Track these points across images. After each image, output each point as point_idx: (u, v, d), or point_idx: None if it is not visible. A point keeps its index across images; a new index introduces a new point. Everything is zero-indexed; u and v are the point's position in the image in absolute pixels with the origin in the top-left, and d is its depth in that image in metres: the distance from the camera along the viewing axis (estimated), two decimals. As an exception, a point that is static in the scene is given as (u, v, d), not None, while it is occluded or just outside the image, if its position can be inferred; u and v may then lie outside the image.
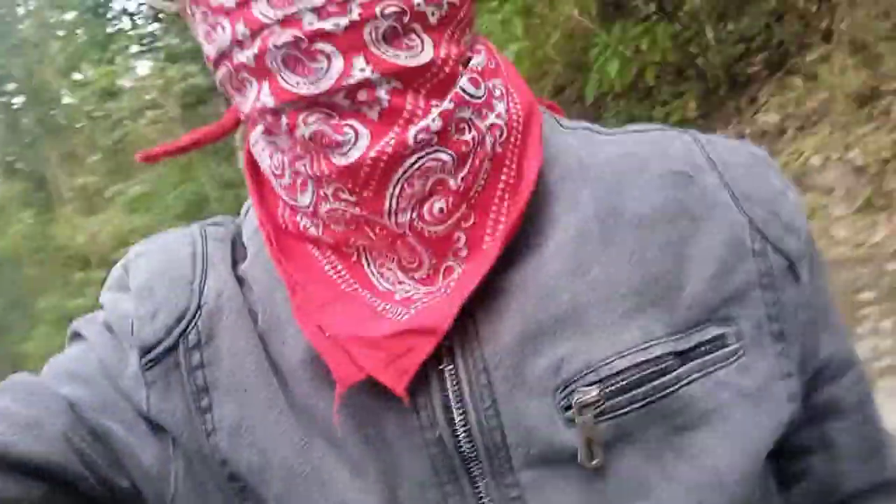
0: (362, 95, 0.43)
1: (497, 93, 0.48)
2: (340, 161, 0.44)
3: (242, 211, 0.56)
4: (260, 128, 0.48)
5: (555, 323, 0.46)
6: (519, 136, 0.48)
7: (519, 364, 0.46)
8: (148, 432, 0.49)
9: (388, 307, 0.47)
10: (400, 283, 0.48)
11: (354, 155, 0.43)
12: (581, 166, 0.50)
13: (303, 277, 0.48)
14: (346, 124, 0.43)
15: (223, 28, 0.43)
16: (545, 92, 6.99)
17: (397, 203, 0.45)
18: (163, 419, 0.49)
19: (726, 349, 0.48)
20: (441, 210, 0.46)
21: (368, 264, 0.49)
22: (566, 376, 0.46)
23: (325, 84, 0.42)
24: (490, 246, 0.46)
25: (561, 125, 0.54)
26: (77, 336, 0.53)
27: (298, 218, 0.49)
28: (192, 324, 0.50)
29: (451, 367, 0.46)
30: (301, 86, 0.43)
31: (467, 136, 0.46)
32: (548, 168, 0.50)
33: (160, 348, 0.49)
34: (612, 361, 0.46)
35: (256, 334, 0.50)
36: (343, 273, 0.49)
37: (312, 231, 0.49)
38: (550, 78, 7.27)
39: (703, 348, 0.47)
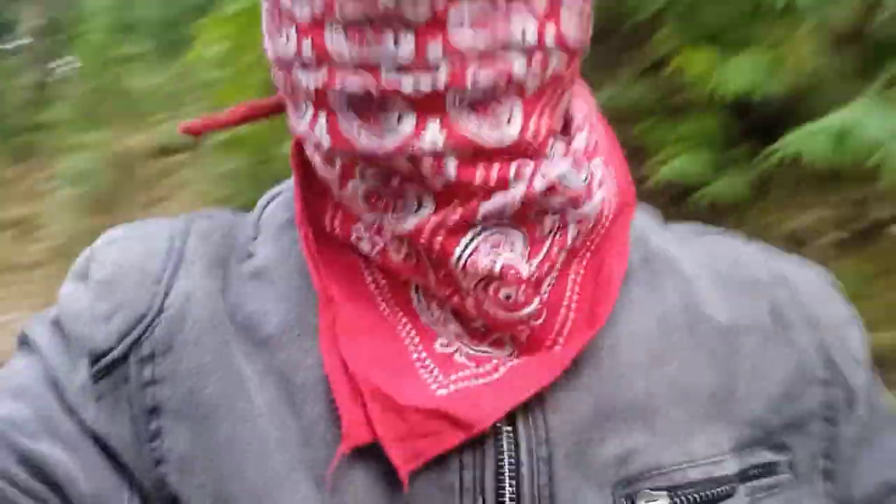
0: (427, 164, 0.38)
1: (598, 176, 0.43)
2: (398, 227, 0.40)
3: (259, 204, 0.49)
4: None
5: (627, 410, 0.42)
6: (604, 227, 0.44)
7: (584, 444, 0.41)
8: (95, 454, 0.41)
9: (425, 360, 0.41)
10: (444, 324, 0.42)
11: (412, 222, 0.39)
12: (666, 256, 0.47)
13: (340, 292, 0.42)
14: (410, 191, 0.39)
15: (288, 38, 0.39)
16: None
17: (464, 268, 0.39)
18: (111, 440, 0.41)
19: (777, 477, 0.44)
20: (508, 297, 0.40)
21: (416, 290, 0.42)
22: (633, 472, 0.41)
23: (389, 143, 0.37)
24: (561, 354, 0.41)
25: (656, 226, 0.50)
26: (24, 341, 0.45)
27: (353, 230, 0.43)
28: (149, 331, 0.42)
29: (509, 428, 0.40)
30: (363, 136, 0.38)
31: (548, 222, 0.41)
32: (631, 248, 0.45)
33: (110, 357, 0.42)
34: (685, 469, 0.42)
35: (235, 345, 0.42)
36: (386, 291, 0.43)
37: (365, 246, 0.42)
38: None
39: (754, 471, 0.44)
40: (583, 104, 0.44)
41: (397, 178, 0.39)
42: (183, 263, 0.44)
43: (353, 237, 0.43)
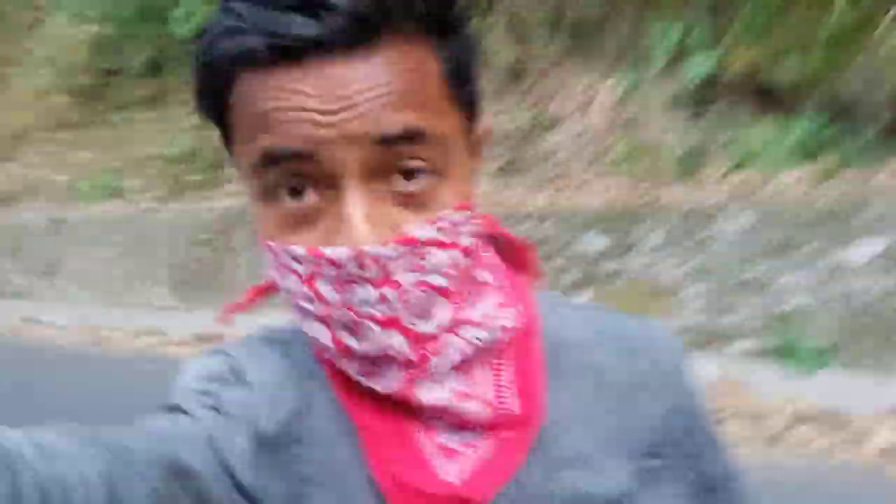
0: (397, 353, 0.57)
1: (505, 323, 0.63)
2: (378, 387, 0.59)
3: (291, 326, 0.66)
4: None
5: (568, 463, 0.63)
6: (516, 345, 0.64)
7: (544, 497, 0.62)
8: (240, 501, 0.58)
9: (435, 457, 0.60)
10: (437, 420, 0.61)
11: (388, 385, 0.59)
12: (577, 342, 0.68)
13: (370, 418, 0.61)
14: (384, 366, 0.58)
15: (293, 281, 0.57)
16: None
17: (428, 408, 0.60)
18: (265, 496, 0.59)
19: (658, 475, 0.67)
20: (463, 411, 0.60)
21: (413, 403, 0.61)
22: (577, 499, 0.63)
23: (369, 347, 0.57)
24: (521, 437, 0.62)
25: (548, 300, 0.71)
26: (178, 410, 0.59)
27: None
28: (297, 421, 0.61)
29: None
30: (353, 342, 0.57)
31: (473, 357, 0.61)
32: (549, 342, 0.67)
33: (271, 436, 0.60)
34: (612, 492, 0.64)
35: (345, 447, 0.62)
36: (396, 406, 0.61)
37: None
38: None
39: (643, 474, 0.66)
40: (490, 276, 0.65)
41: (377, 362, 0.58)
42: (302, 383, 0.64)
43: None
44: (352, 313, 0.55)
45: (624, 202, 4.31)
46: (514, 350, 0.64)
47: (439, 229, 0.56)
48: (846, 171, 3.96)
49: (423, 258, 0.56)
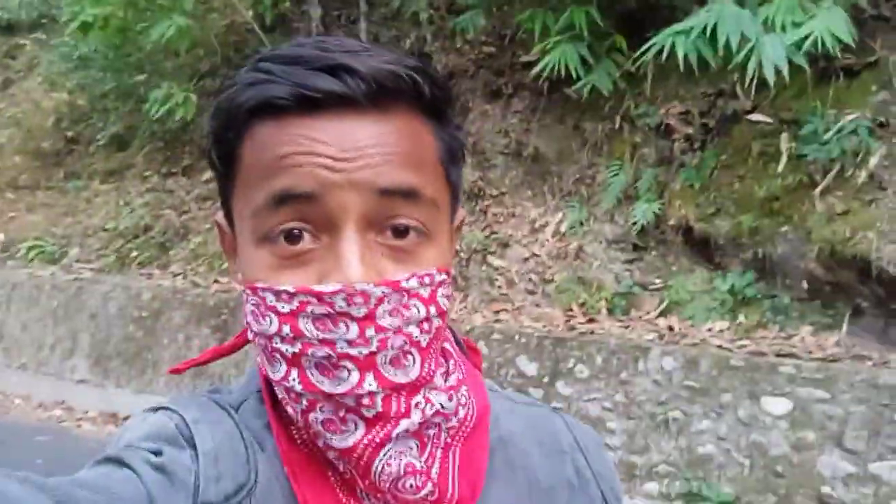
0: (365, 401, 0.58)
1: (462, 401, 0.67)
2: (339, 444, 0.59)
3: (246, 380, 0.71)
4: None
5: None
6: (468, 430, 0.67)
7: None
8: None
9: None
10: None
11: (350, 441, 0.59)
12: (512, 437, 0.72)
13: (312, 496, 0.62)
14: (350, 419, 0.59)
15: (270, 321, 0.59)
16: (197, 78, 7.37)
17: (380, 476, 0.60)
18: None
19: None
20: (411, 486, 0.61)
21: (360, 490, 0.63)
22: None
23: (343, 388, 0.58)
24: None
25: (491, 392, 0.75)
26: (117, 463, 0.58)
27: (319, 441, 0.62)
28: (248, 496, 0.60)
29: None
30: (325, 384, 0.58)
31: (431, 431, 0.63)
32: (491, 432, 0.71)
33: None
34: None
35: None
36: (344, 488, 0.62)
37: (331, 455, 0.62)
38: (210, 63, 7.58)
39: None
40: (453, 353, 0.70)
41: (343, 411, 0.59)
42: (252, 453, 0.63)
43: (322, 444, 0.61)
44: (329, 350, 0.57)
45: (557, 331, 4.41)
46: (464, 436, 0.66)
47: (422, 283, 0.60)
48: (767, 328, 4.15)
49: (406, 308, 0.59)
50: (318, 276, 0.58)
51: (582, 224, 5.26)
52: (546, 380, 4.16)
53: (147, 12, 6.74)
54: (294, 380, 0.59)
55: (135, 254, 7.03)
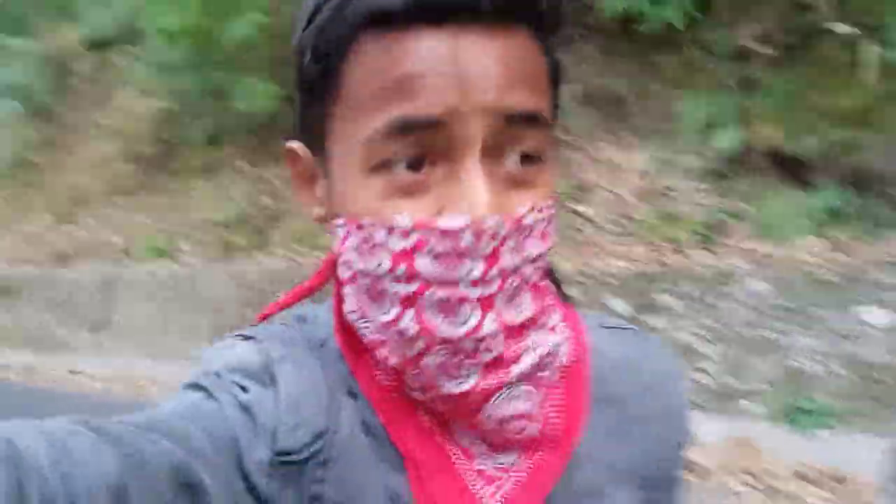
0: (484, 344, 0.55)
1: (566, 336, 0.64)
2: (453, 389, 0.57)
3: (324, 319, 0.67)
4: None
5: (592, 493, 0.65)
6: (570, 367, 0.64)
7: None
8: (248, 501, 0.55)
9: (476, 484, 0.60)
10: (477, 446, 0.61)
11: (465, 387, 0.56)
12: (599, 370, 0.68)
13: (413, 445, 0.60)
14: (467, 364, 0.56)
15: (382, 260, 0.55)
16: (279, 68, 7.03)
17: (488, 419, 0.58)
18: None
19: None
20: (521, 430, 0.60)
21: (455, 423, 0.61)
22: None
23: (463, 330, 0.55)
24: (556, 461, 0.62)
25: (594, 319, 0.73)
26: (206, 392, 0.58)
27: (407, 381, 0.60)
28: (325, 445, 0.58)
29: None
30: (444, 327, 0.55)
31: (546, 374, 0.61)
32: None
33: (293, 456, 0.57)
34: None
35: (376, 470, 0.60)
36: (436, 425, 0.61)
37: (418, 396, 0.60)
38: (287, 52, 6.99)
39: None
40: (549, 288, 0.64)
41: (460, 356, 0.56)
42: (335, 398, 0.61)
43: (407, 388, 0.60)
44: (452, 291, 0.54)
45: (646, 267, 4.42)
46: (565, 373, 0.64)
47: (540, 218, 0.57)
48: (862, 241, 4.01)
49: (526, 245, 0.56)
50: (437, 207, 0.54)
51: (667, 161, 5.19)
52: (635, 315, 4.18)
53: (226, 14, 6.99)
54: (409, 320, 0.55)
55: (238, 240, 7.42)
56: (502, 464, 0.61)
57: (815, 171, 4.48)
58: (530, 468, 0.61)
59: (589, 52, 5.87)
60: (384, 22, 0.53)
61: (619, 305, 4.30)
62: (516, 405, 0.58)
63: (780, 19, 4.84)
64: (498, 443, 0.60)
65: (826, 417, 3.42)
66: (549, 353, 0.60)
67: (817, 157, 4.44)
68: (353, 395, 0.62)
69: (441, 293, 0.54)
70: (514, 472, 0.61)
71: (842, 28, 4.52)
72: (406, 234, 0.53)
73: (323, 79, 0.57)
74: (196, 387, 0.58)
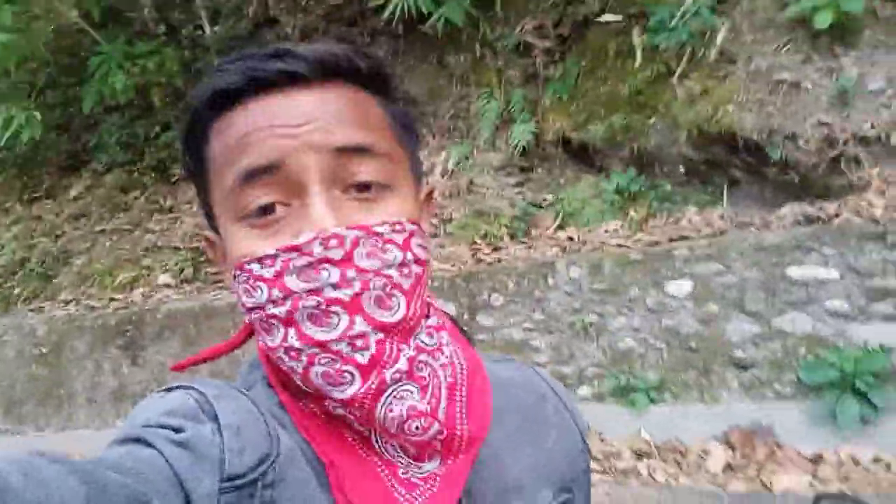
0: (359, 343, 0.61)
1: (444, 341, 0.70)
2: (339, 395, 0.62)
3: (244, 375, 0.74)
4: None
5: (512, 489, 0.72)
6: (464, 371, 0.72)
7: None
8: None
9: (396, 487, 0.65)
10: (398, 457, 0.66)
11: (349, 392, 0.62)
12: (498, 380, 0.76)
13: (335, 453, 0.65)
14: (346, 370, 0.62)
15: (261, 290, 0.63)
16: (36, 93, 6.92)
17: (384, 421, 0.63)
18: None
19: None
20: (417, 428, 0.64)
21: (377, 438, 0.66)
22: None
23: (335, 333, 0.61)
24: (466, 459, 0.68)
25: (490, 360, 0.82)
26: (138, 441, 0.59)
27: (325, 403, 0.65)
28: (271, 466, 0.61)
29: None
30: (319, 333, 0.61)
31: (425, 373, 0.66)
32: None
33: (242, 479, 0.58)
34: None
35: (318, 491, 0.64)
36: (359, 441, 0.66)
37: (339, 411, 0.65)
38: (46, 74, 7.05)
39: None
40: (435, 307, 0.73)
41: (339, 362, 0.62)
42: (272, 427, 0.64)
43: (328, 406, 0.66)
44: (318, 298, 0.61)
45: (467, 267, 4.49)
46: (465, 376, 0.71)
47: (393, 230, 0.65)
48: (656, 217, 4.35)
49: (383, 251, 0.63)
50: (294, 236, 0.62)
51: (467, 158, 5.31)
52: (466, 316, 4.25)
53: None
54: (292, 337, 0.62)
55: (17, 290, 6.63)
56: (427, 471, 0.67)
57: (604, 156, 4.78)
58: (446, 473, 0.67)
59: (378, 55, 5.84)
60: (229, 100, 0.64)
61: (451, 309, 4.35)
62: (408, 404, 0.64)
63: (554, 13, 5.10)
64: (419, 451, 0.66)
65: (655, 392, 3.67)
66: (420, 348, 0.66)
67: (603, 142, 4.73)
68: (283, 426, 0.66)
69: (310, 302, 0.61)
70: (434, 479, 0.67)
71: (610, 17, 4.85)
72: (272, 260, 0.62)
73: (196, 164, 0.68)
74: (125, 440, 0.60)
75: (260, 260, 0.63)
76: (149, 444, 0.58)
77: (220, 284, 5.56)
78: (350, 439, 0.66)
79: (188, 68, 6.32)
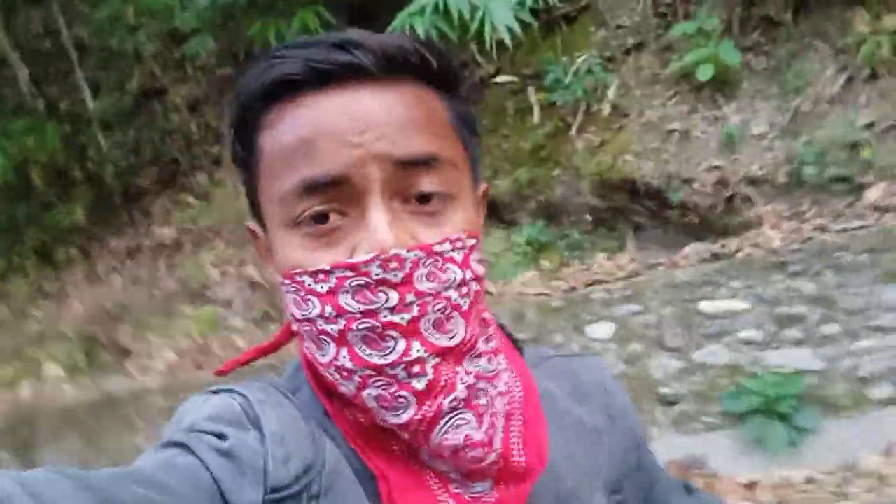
0: (415, 368, 0.59)
1: (502, 367, 0.68)
2: (394, 420, 0.60)
3: (290, 375, 0.71)
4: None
5: (569, 495, 0.70)
6: (520, 395, 0.70)
7: None
8: None
9: (450, 501, 0.63)
10: (450, 472, 0.64)
11: (404, 418, 0.60)
12: (547, 392, 0.74)
13: (387, 468, 0.63)
14: (402, 395, 0.59)
15: (313, 304, 0.60)
16: None
17: (439, 447, 0.61)
18: None
19: None
20: (473, 457, 0.62)
21: (425, 454, 0.63)
22: None
23: (391, 358, 0.58)
24: (521, 490, 0.66)
25: (532, 354, 0.79)
26: (180, 447, 0.57)
27: (377, 419, 0.62)
28: (318, 476, 0.59)
29: None
30: (374, 356, 0.59)
31: (483, 401, 0.63)
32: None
33: (286, 491, 0.56)
34: None
35: (364, 498, 0.61)
36: (407, 454, 0.63)
37: (386, 425, 0.62)
38: None
39: None
40: (492, 320, 0.70)
41: (394, 386, 0.59)
42: (317, 435, 0.62)
43: (380, 419, 0.62)
44: (373, 321, 0.58)
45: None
46: (521, 404, 0.69)
47: (454, 247, 0.61)
48: (568, 265, 4.48)
49: (442, 271, 0.60)
50: (350, 250, 0.59)
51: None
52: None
53: None
54: (344, 357, 0.59)
55: None
56: (478, 492, 0.64)
57: (513, 209, 4.91)
58: (498, 498, 0.65)
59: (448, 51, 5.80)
60: (286, 91, 0.60)
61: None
62: (465, 432, 0.61)
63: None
64: (470, 472, 0.64)
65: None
66: (479, 376, 0.63)
67: (510, 196, 4.86)
68: (330, 435, 0.64)
69: (365, 325, 0.58)
70: (485, 499, 0.64)
71: (506, 78, 5.05)
72: (326, 276, 0.59)
73: (247, 154, 0.63)
74: (168, 445, 0.58)
75: (313, 274, 0.59)
76: (191, 451, 0.56)
77: (117, 372, 5.21)
78: (398, 451, 0.64)
79: (70, 143, 6.03)
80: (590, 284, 4.09)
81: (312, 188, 0.58)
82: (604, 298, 3.87)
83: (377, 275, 0.57)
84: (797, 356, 3.45)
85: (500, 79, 5.07)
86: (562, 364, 0.80)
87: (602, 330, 3.84)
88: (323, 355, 0.61)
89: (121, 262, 5.86)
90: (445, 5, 4.15)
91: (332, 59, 0.58)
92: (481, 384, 0.63)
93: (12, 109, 6.22)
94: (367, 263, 0.57)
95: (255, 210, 0.67)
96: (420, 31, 4.15)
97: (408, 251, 0.58)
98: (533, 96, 4.84)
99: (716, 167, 4.17)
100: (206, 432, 0.58)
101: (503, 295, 4.34)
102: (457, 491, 0.63)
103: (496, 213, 4.96)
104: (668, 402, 3.65)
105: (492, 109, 5.08)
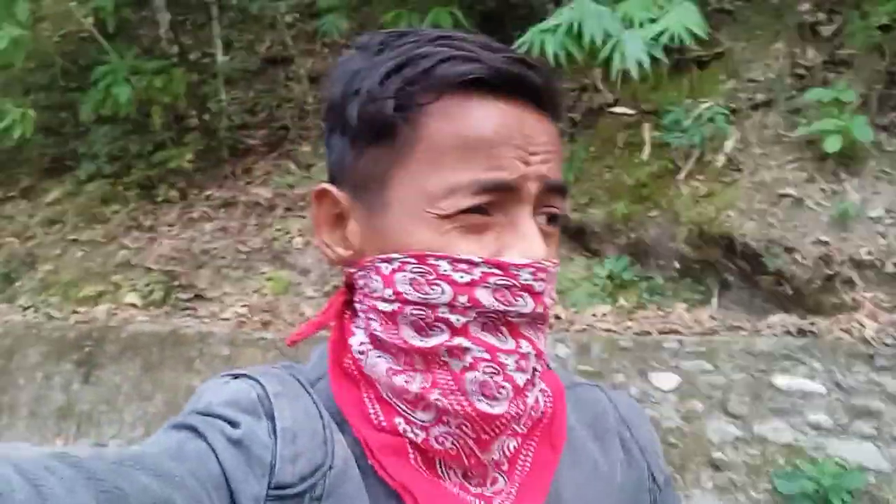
0: (523, 363, 0.62)
1: (539, 390, 0.71)
2: (486, 409, 0.62)
3: (316, 361, 0.72)
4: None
5: None
6: (547, 417, 0.72)
7: None
8: None
9: (475, 502, 0.65)
10: (462, 486, 0.65)
11: (499, 409, 0.62)
12: (570, 428, 0.74)
13: (407, 478, 0.63)
14: (504, 385, 0.61)
15: (442, 290, 0.61)
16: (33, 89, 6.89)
17: (497, 447, 0.66)
18: None
19: None
20: (512, 447, 0.68)
21: (439, 463, 0.65)
22: None
23: (508, 346, 0.62)
24: (539, 483, 0.69)
25: (564, 377, 0.80)
26: (192, 430, 0.58)
27: (397, 420, 0.64)
28: (323, 478, 0.59)
29: None
30: (491, 339, 0.61)
31: (519, 426, 0.68)
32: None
33: (291, 490, 0.57)
34: None
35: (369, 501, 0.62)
36: (421, 463, 0.64)
37: (411, 435, 0.64)
38: (46, 75, 7.08)
39: None
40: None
41: (500, 375, 0.61)
42: (335, 433, 0.63)
43: (400, 428, 0.64)
44: (506, 318, 0.62)
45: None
46: (542, 427, 0.72)
47: (556, 268, 0.66)
48: (645, 308, 4.36)
49: (552, 291, 0.66)
50: (496, 247, 0.62)
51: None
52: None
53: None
54: (463, 343, 0.61)
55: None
56: (495, 489, 0.67)
57: (601, 240, 4.82)
58: (517, 498, 0.67)
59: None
60: (466, 87, 0.61)
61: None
62: (503, 452, 0.66)
63: (569, 98, 5.21)
64: (479, 481, 0.66)
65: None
66: (531, 406, 0.66)
67: (601, 227, 4.77)
68: (343, 431, 0.64)
69: (493, 317, 0.61)
70: (505, 494, 0.67)
71: (623, 109, 4.97)
72: (471, 267, 0.60)
73: (400, 129, 0.62)
74: (181, 426, 0.59)
75: (454, 261, 0.61)
76: (202, 436, 0.57)
77: (189, 313, 5.39)
78: (412, 458, 0.65)
79: (193, 92, 6.29)
80: (663, 332, 3.96)
81: (488, 189, 0.61)
82: (675, 349, 3.75)
83: (525, 280, 0.61)
84: (864, 451, 3.25)
85: (617, 109, 5.00)
86: (586, 393, 0.81)
87: (666, 380, 3.72)
88: (424, 340, 0.62)
89: (214, 211, 6.05)
90: (580, 28, 4.11)
91: (519, 72, 0.62)
92: (531, 409, 0.69)
93: (146, 49, 6.54)
94: (520, 268, 0.61)
95: (359, 180, 0.66)
96: (549, 50, 4.13)
97: (553, 265, 0.64)
98: (647, 133, 4.75)
99: (823, 241, 3.97)
100: (221, 417, 0.59)
101: (573, 323, 4.26)
102: (479, 491, 0.66)
103: (582, 240, 4.88)
104: (718, 467, 3.49)
105: (601, 137, 5.02)
